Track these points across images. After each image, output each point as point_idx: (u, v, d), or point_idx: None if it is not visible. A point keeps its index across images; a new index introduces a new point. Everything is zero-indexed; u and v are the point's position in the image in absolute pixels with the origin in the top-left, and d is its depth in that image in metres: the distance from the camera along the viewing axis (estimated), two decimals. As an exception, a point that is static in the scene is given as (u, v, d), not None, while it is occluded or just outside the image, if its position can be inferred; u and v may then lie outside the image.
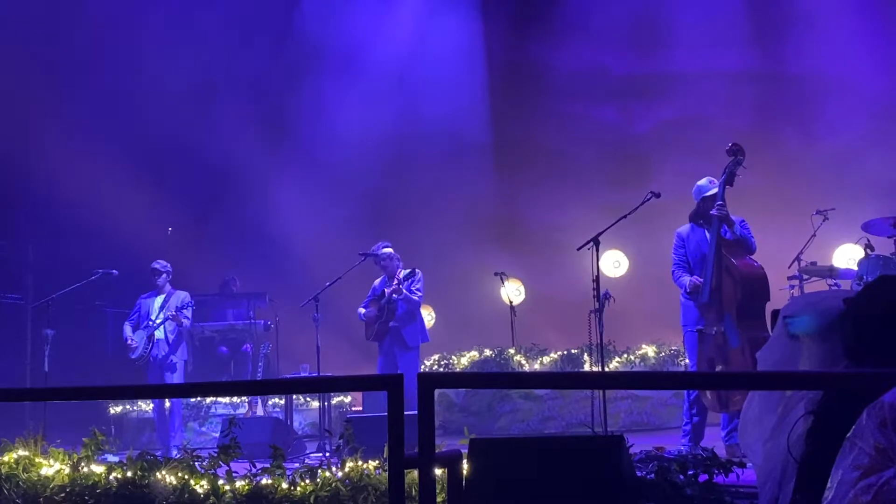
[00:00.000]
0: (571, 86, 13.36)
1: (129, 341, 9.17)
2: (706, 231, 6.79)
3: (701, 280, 6.59)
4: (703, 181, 6.90)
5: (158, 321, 9.10)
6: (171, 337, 9.13)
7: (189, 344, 9.62)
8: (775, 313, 4.27)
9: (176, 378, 9.06)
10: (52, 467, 5.50)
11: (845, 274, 8.81)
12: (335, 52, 13.00)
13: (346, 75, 13.07)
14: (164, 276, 9.29)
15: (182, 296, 9.32)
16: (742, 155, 6.66)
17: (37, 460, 5.58)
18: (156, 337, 9.09)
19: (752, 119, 12.60)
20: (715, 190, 6.74)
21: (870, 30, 11.66)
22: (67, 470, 5.46)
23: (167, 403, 9.25)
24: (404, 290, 8.26)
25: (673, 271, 6.92)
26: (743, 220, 6.76)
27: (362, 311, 8.55)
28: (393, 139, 12.79)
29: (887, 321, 3.48)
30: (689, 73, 12.97)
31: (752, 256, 6.68)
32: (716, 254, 6.55)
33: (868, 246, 8.35)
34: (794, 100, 12.40)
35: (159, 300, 9.27)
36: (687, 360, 7.03)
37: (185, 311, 9.12)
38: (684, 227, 6.96)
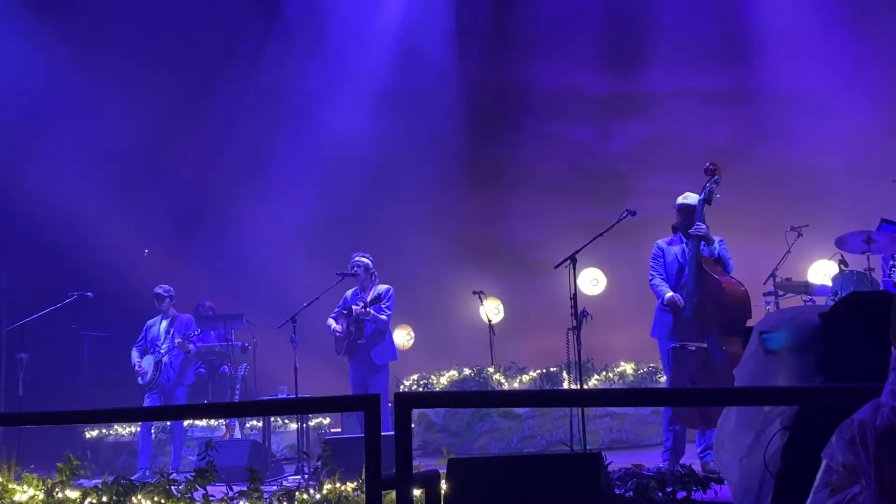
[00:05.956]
0: (548, 105, 13.43)
1: (136, 367, 9.23)
2: (684, 245, 6.88)
3: (681, 299, 6.65)
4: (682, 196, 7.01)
5: (165, 348, 9.17)
6: (176, 362, 9.23)
7: (193, 364, 9.70)
8: (747, 330, 4.30)
9: (182, 402, 9.14)
10: (26, 493, 5.43)
11: (820, 290, 8.88)
12: (312, 71, 13.01)
13: (324, 94, 13.07)
14: (168, 300, 9.36)
15: (186, 319, 9.41)
16: (720, 174, 6.76)
17: (10, 486, 5.51)
18: (163, 363, 9.17)
19: (727, 137, 12.73)
20: (685, 200, 6.87)
21: (842, 49, 11.82)
22: (42, 496, 5.40)
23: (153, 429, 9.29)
24: (371, 312, 8.23)
25: (651, 278, 6.98)
26: (722, 241, 6.86)
27: (332, 323, 8.48)
28: (370, 159, 12.78)
29: (860, 336, 3.51)
30: (664, 92, 13.08)
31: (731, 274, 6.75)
32: (696, 270, 6.61)
33: (842, 262, 8.44)
34: (768, 118, 12.52)
35: (164, 325, 9.33)
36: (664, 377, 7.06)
37: (190, 339, 9.21)
38: (664, 239, 7.07)
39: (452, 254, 12.80)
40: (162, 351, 9.19)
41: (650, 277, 7.00)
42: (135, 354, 9.33)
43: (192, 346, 9.31)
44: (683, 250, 6.88)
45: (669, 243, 7.01)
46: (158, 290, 9.39)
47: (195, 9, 12.20)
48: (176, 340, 9.15)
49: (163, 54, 12.26)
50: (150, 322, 9.48)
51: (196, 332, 9.31)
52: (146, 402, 9.07)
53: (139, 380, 9.21)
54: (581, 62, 13.29)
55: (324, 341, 9.05)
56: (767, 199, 11.78)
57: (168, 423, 9.62)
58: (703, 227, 6.70)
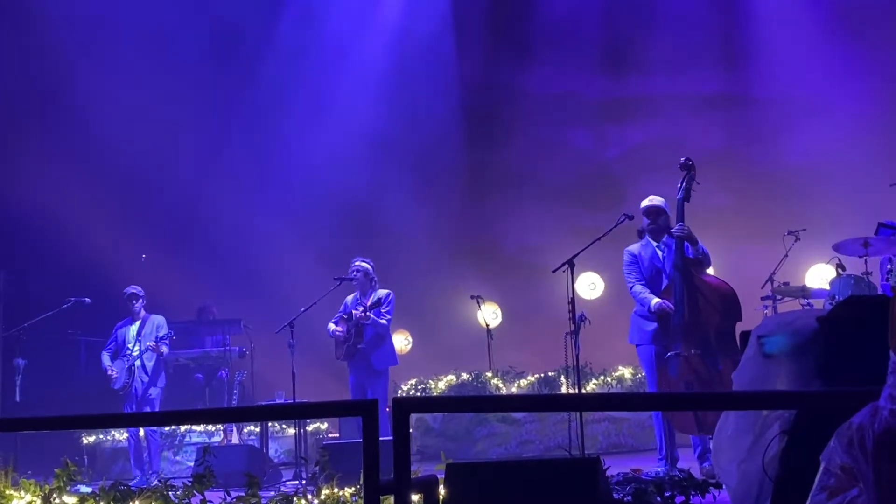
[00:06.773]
0: (545, 110, 13.45)
1: (108, 371, 9.05)
2: (656, 247, 6.79)
3: (671, 306, 6.47)
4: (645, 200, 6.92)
5: (137, 351, 9.01)
6: (149, 365, 9.04)
7: (166, 370, 9.53)
8: (745, 334, 4.30)
9: (156, 408, 8.96)
10: (23, 499, 5.42)
11: (818, 294, 8.89)
12: (307, 76, 13.01)
13: (319, 98, 13.08)
14: (141, 301, 9.18)
15: (157, 321, 9.22)
16: (694, 170, 6.67)
17: (7, 492, 5.50)
18: (136, 367, 9.00)
19: (723, 141, 12.76)
20: (651, 202, 6.78)
21: (839, 52, 11.85)
22: (39, 502, 5.38)
23: (141, 432, 9.13)
24: (371, 316, 8.20)
25: (631, 287, 6.79)
26: None
27: (332, 327, 8.45)
28: (367, 163, 12.79)
29: (859, 339, 3.51)
30: (660, 97, 13.10)
31: (719, 275, 6.69)
32: (684, 273, 6.46)
33: (839, 266, 8.44)
34: (764, 122, 12.55)
35: (135, 327, 9.16)
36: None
37: (164, 340, 9.04)
38: (634, 245, 6.92)
39: (450, 258, 12.81)
40: (134, 355, 9.01)
41: (629, 285, 6.80)
42: (105, 358, 9.15)
43: (165, 348, 9.13)
44: (655, 254, 6.77)
45: (641, 249, 6.85)
46: (133, 289, 9.18)
47: (194, 10, 12.21)
48: (149, 343, 8.97)
49: (161, 55, 12.24)
50: (118, 324, 9.30)
51: (171, 335, 9.13)
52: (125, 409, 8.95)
53: (111, 385, 9.04)
54: (578, 67, 13.31)
55: (322, 346, 9.03)
56: (765, 203, 11.80)
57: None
58: (686, 226, 6.50)
